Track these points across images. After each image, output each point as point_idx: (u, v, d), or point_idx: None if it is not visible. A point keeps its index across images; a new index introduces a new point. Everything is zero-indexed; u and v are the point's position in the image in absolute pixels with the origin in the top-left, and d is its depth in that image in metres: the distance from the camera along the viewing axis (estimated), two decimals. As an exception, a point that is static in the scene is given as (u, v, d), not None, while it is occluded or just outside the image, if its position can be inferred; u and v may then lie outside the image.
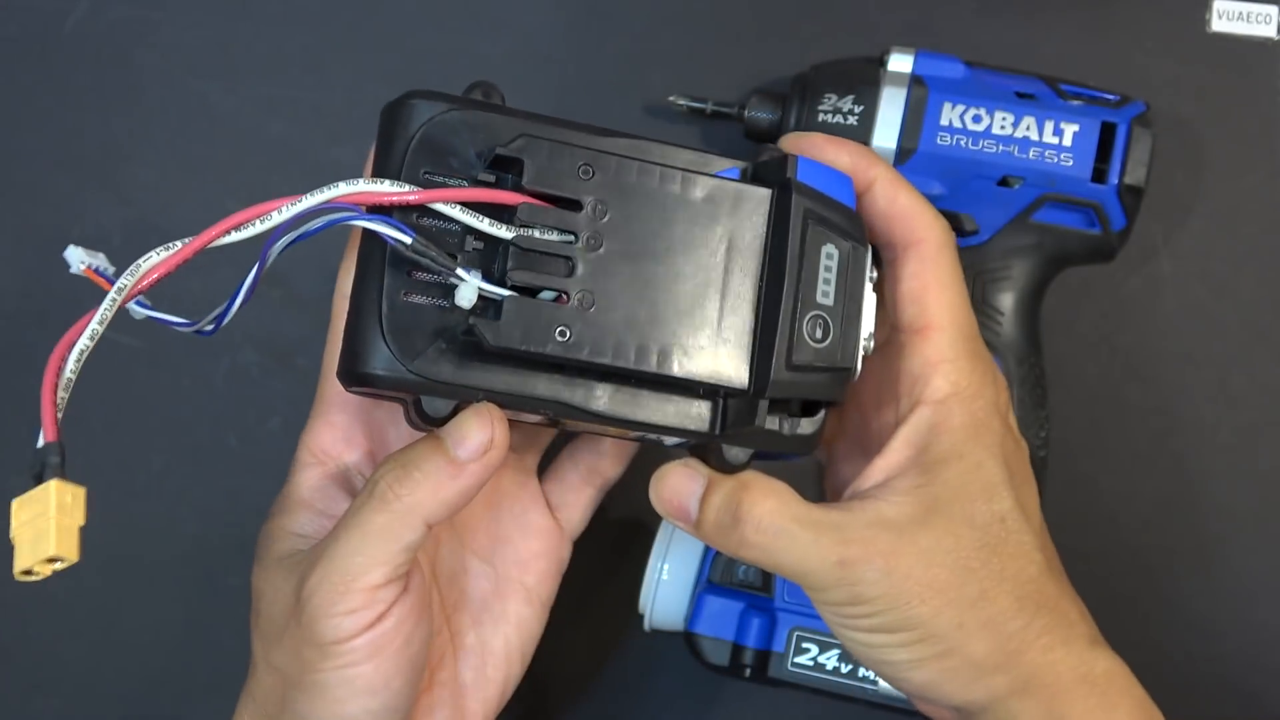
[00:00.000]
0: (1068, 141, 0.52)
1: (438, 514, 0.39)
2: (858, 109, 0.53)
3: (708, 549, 0.54)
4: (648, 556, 0.54)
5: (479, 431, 0.38)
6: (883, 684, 0.50)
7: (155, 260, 0.38)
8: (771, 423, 0.40)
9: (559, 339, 0.38)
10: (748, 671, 0.52)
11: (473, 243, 0.38)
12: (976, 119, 0.53)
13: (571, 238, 0.38)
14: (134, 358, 0.58)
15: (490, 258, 0.38)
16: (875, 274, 0.42)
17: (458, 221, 0.38)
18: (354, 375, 0.38)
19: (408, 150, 0.38)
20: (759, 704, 0.58)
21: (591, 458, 0.48)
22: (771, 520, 0.40)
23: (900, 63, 0.53)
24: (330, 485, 0.43)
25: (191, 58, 0.59)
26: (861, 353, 0.41)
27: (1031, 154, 0.52)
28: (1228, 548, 0.57)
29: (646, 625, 0.54)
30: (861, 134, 0.53)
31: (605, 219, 0.39)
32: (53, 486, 0.35)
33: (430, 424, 0.39)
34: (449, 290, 0.37)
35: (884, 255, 0.42)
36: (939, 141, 0.53)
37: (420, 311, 0.38)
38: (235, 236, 0.38)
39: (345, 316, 0.39)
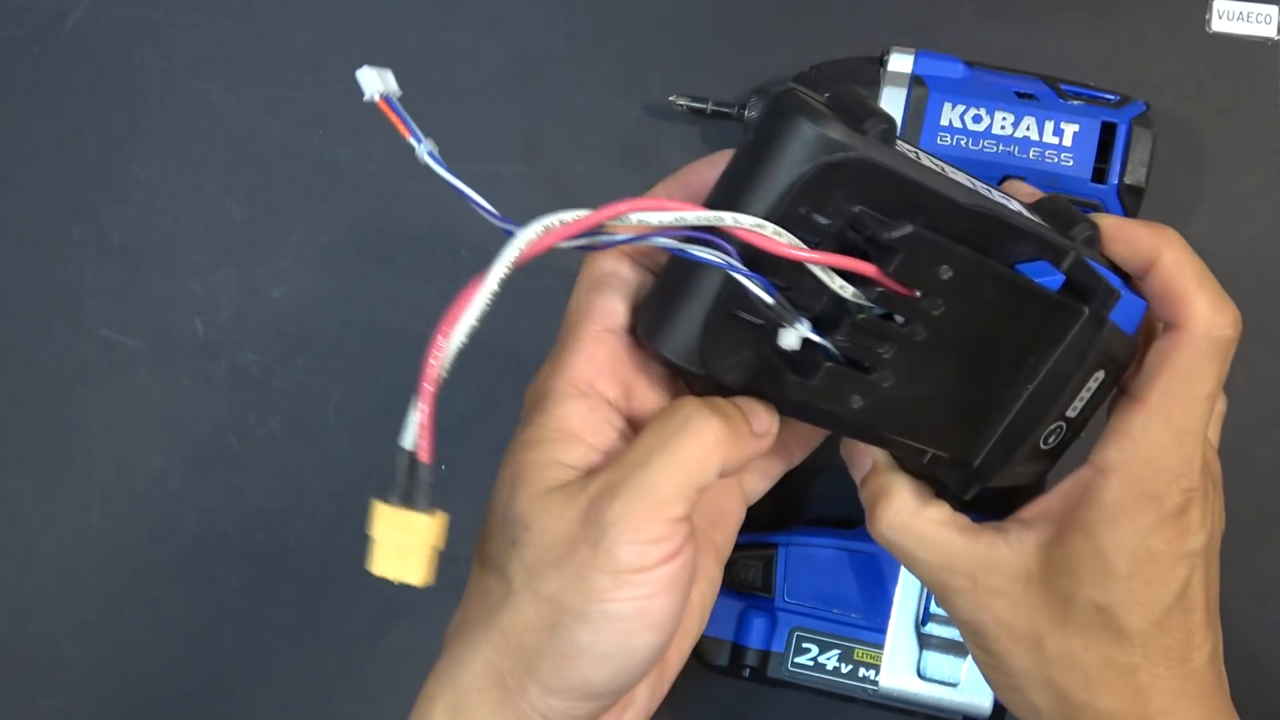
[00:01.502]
0: (1068, 141, 0.52)
1: (731, 465, 0.40)
2: None
3: None
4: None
5: (768, 414, 0.41)
6: (883, 684, 0.50)
7: (555, 225, 0.36)
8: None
9: (852, 406, 0.39)
10: (748, 672, 0.52)
11: (811, 283, 0.37)
12: (977, 119, 0.53)
13: (903, 320, 0.39)
14: (134, 358, 0.58)
15: (815, 298, 0.38)
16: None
17: (816, 277, 0.37)
18: (651, 345, 0.39)
19: (793, 187, 0.36)
20: (759, 704, 0.58)
21: (786, 434, 0.46)
22: (895, 520, 0.43)
23: (900, 63, 0.53)
24: (598, 418, 0.42)
25: (191, 58, 0.59)
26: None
27: (1032, 154, 0.52)
28: (1227, 548, 0.57)
29: None
30: None
31: (938, 312, 0.39)
32: (436, 522, 0.36)
33: (709, 385, 0.40)
34: (775, 321, 0.38)
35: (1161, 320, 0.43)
36: (939, 141, 0.53)
37: (740, 327, 0.38)
38: (633, 218, 0.36)
39: (658, 283, 0.40)
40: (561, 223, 0.36)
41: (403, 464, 0.35)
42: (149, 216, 0.58)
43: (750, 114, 0.56)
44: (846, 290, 0.37)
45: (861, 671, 0.51)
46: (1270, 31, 0.61)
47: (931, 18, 0.60)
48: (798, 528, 0.54)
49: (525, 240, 0.35)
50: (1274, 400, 0.58)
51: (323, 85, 0.60)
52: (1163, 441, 0.41)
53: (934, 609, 0.50)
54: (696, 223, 0.36)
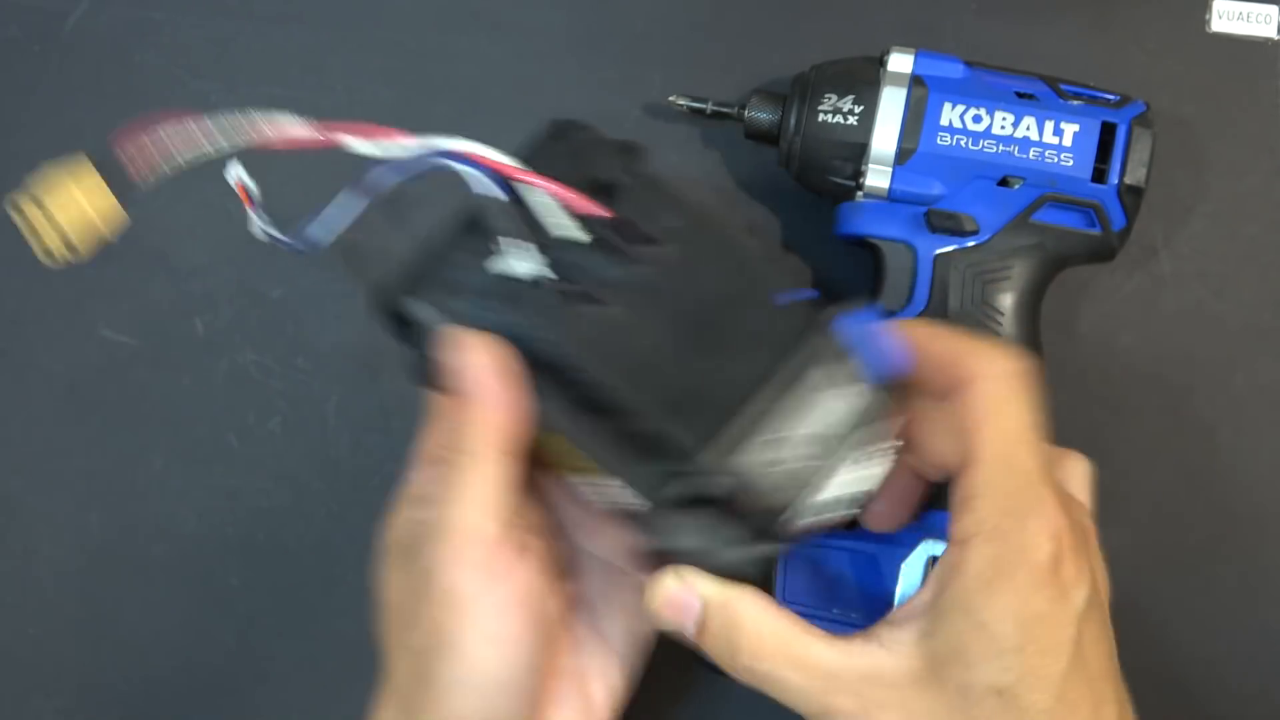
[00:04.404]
0: (1068, 141, 0.52)
1: (505, 435, 0.41)
2: (858, 109, 0.53)
3: None
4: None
5: (476, 359, 0.41)
6: None
7: (283, 123, 0.43)
8: (700, 528, 0.41)
9: (579, 333, 0.40)
10: None
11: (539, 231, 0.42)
12: (977, 119, 0.53)
13: (632, 266, 0.41)
14: (134, 358, 0.58)
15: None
16: (897, 445, 0.43)
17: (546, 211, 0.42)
18: (385, 298, 0.42)
19: (539, 144, 0.44)
20: (759, 704, 0.58)
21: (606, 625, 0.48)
22: (763, 657, 0.41)
23: (900, 62, 0.53)
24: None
25: (191, 58, 0.59)
26: (814, 516, 0.41)
27: (1032, 154, 0.52)
28: (1227, 547, 0.57)
29: None
30: (861, 134, 0.53)
31: (673, 268, 0.41)
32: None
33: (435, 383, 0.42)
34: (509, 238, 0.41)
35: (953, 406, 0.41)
36: (939, 141, 0.53)
37: (469, 270, 0.42)
38: (357, 146, 0.42)
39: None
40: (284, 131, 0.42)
41: None
42: (149, 216, 0.58)
43: (750, 114, 0.56)
44: (571, 227, 0.41)
45: None
46: (1270, 31, 0.61)
47: (931, 18, 0.60)
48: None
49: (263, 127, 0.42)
50: (1274, 400, 0.58)
51: (323, 85, 0.60)
52: (1008, 487, 0.39)
53: None
54: (419, 150, 0.41)
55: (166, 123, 0.41)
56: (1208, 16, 0.61)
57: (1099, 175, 0.52)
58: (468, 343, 0.41)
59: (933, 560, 0.50)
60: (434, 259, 0.43)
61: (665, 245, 0.42)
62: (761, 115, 0.56)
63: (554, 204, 0.42)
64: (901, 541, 0.51)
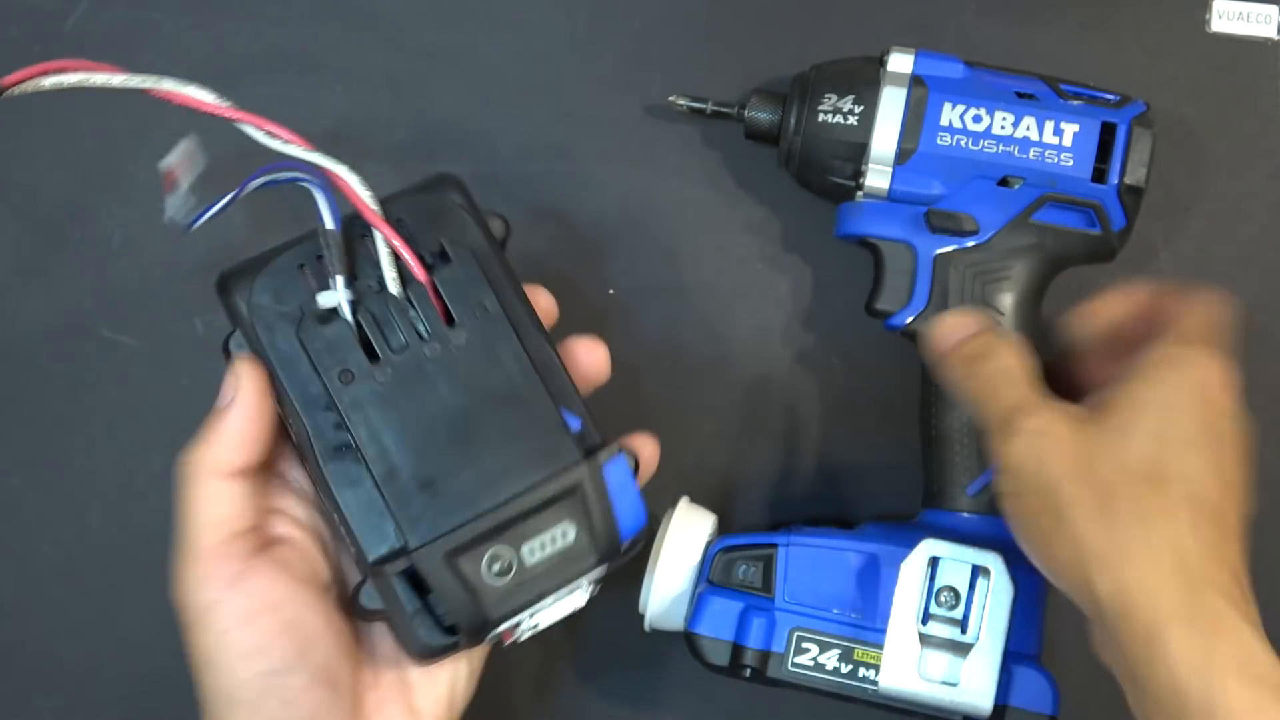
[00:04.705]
0: (1068, 141, 0.52)
1: (220, 461, 0.44)
2: (858, 109, 0.53)
3: (708, 550, 0.54)
4: (647, 559, 0.54)
5: (228, 381, 0.45)
6: (882, 684, 0.50)
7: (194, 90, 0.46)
8: (405, 603, 0.43)
9: (340, 379, 0.43)
10: (748, 671, 0.52)
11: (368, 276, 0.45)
12: (977, 119, 0.53)
13: (420, 341, 0.44)
14: (134, 358, 0.58)
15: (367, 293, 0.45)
16: (596, 587, 0.45)
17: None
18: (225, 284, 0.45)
19: (414, 189, 0.47)
20: (759, 704, 0.58)
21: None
22: (1004, 368, 0.48)
23: (900, 62, 0.53)
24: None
25: (192, 57, 0.59)
26: (509, 625, 0.44)
27: (1032, 154, 0.52)
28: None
29: (646, 626, 0.54)
30: (861, 134, 0.53)
31: (459, 344, 0.44)
32: None
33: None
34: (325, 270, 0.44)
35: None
36: (939, 142, 0.53)
37: (293, 289, 0.44)
38: (251, 132, 0.45)
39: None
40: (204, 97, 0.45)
41: None
42: (148, 216, 0.58)
43: (750, 114, 0.56)
44: (394, 280, 0.44)
45: (861, 671, 0.51)
46: (1270, 31, 0.61)
47: (931, 18, 0.60)
48: (797, 527, 0.54)
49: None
50: (1274, 400, 0.58)
51: (323, 85, 0.60)
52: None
53: (934, 609, 0.50)
54: (303, 156, 0.44)
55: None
56: (1208, 16, 0.61)
57: (1099, 175, 0.52)
58: (236, 368, 0.44)
59: (934, 561, 0.50)
60: (274, 262, 0.45)
61: (463, 329, 0.44)
62: (761, 115, 0.56)
63: (387, 251, 0.44)
64: (902, 541, 0.51)
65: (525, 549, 0.43)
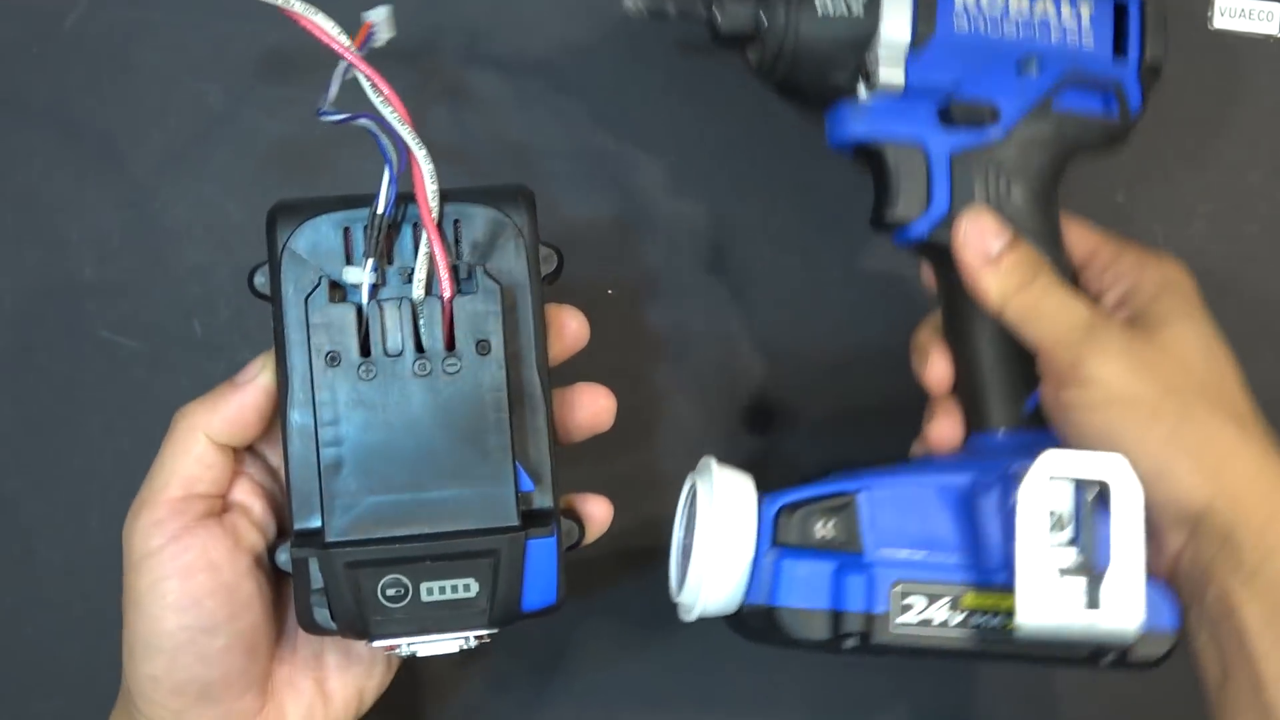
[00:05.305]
0: (1086, 22, 0.50)
1: (215, 427, 0.46)
2: None
3: (763, 510, 0.47)
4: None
5: (257, 361, 0.46)
6: (1021, 623, 0.44)
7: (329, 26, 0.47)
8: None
9: (329, 360, 0.44)
10: (852, 641, 0.46)
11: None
12: (993, 3, 0.50)
13: (414, 354, 0.44)
14: (134, 358, 0.58)
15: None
16: (487, 638, 0.46)
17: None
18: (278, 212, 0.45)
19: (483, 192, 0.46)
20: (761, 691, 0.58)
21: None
22: (1057, 282, 0.49)
23: None
24: None
25: (191, 58, 0.59)
26: (383, 644, 0.45)
27: (1052, 36, 0.50)
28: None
29: (692, 614, 0.48)
30: (868, 25, 0.49)
31: (453, 371, 0.44)
32: None
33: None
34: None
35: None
36: (956, 27, 0.49)
37: (330, 247, 0.45)
38: (369, 91, 0.46)
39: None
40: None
41: None
42: (147, 217, 0.58)
43: (724, 9, 0.50)
44: (421, 283, 0.44)
45: (975, 619, 0.46)
46: (1272, 29, 0.61)
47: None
48: (865, 470, 0.48)
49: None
50: (1274, 400, 0.58)
51: (322, 85, 0.59)
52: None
53: (1053, 531, 0.45)
54: (396, 125, 0.44)
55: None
56: (1209, 14, 0.61)
57: (1117, 50, 0.51)
58: (270, 359, 0.46)
59: (1078, 483, 0.45)
60: (327, 214, 0.45)
61: (459, 358, 0.44)
62: (738, 9, 0.50)
63: (425, 254, 0.44)
64: (986, 465, 0.47)
65: (425, 586, 0.43)
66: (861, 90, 0.50)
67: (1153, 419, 0.46)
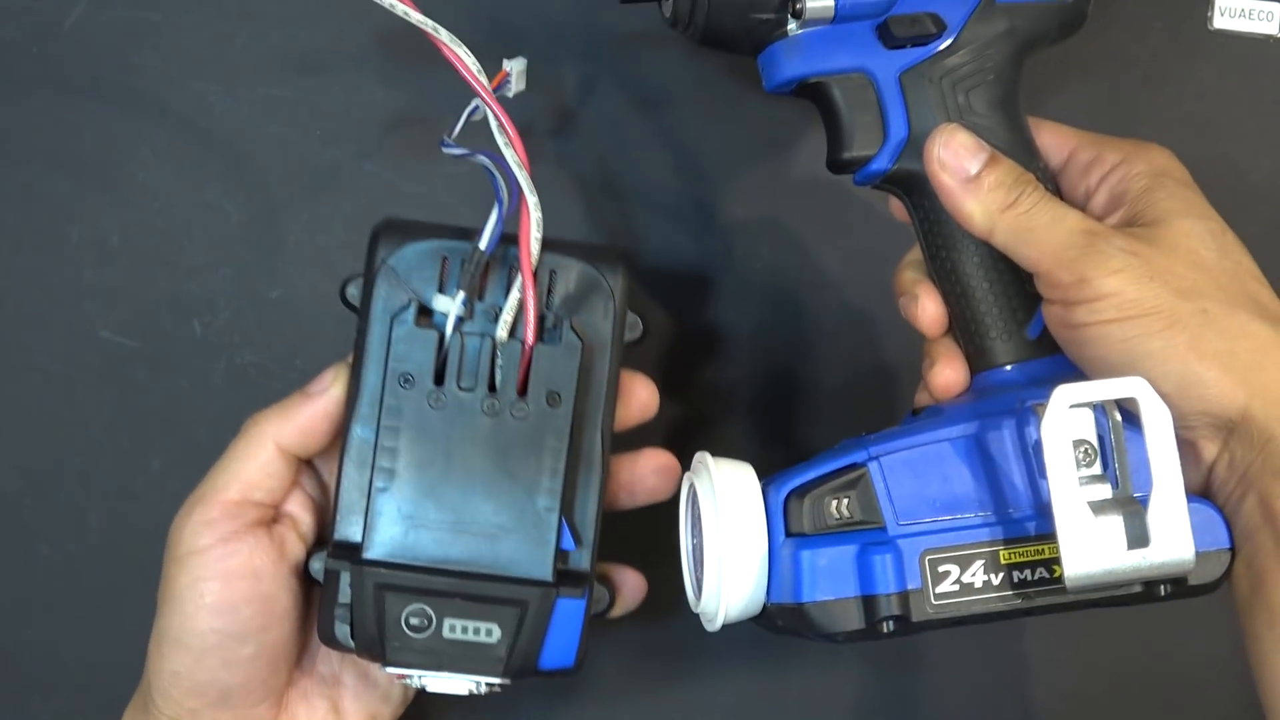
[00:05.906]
0: None
1: (286, 436, 0.46)
2: None
3: (769, 499, 0.45)
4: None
5: (329, 373, 0.47)
6: (1070, 573, 0.41)
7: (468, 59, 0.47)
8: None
9: (401, 383, 0.45)
10: (890, 625, 0.42)
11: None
12: None
13: (487, 394, 0.45)
14: (134, 358, 0.58)
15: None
16: (499, 687, 0.46)
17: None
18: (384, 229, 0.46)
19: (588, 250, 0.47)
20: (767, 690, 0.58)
21: None
22: (1046, 196, 0.45)
23: None
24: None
25: (191, 58, 0.59)
26: (396, 671, 0.45)
27: None
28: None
29: (717, 623, 0.46)
30: None
31: (519, 416, 0.45)
32: None
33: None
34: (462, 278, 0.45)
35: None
36: None
37: (426, 273, 0.46)
38: (494, 126, 0.46)
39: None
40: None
41: None
42: (147, 217, 0.58)
43: None
44: (506, 325, 0.45)
45: (1018, 575, 0.42)
46: (1271, 29, 0.61)
47: None
48: (870, 437, 0.45)
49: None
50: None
51: (322, 86, 0.60)
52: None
53: (1081, 469, 0.42)
54: (514, 169, 0.44)
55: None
56: (1209, 14, 0.61)
57: None
58: (330, 371, 0.47)
59: (1101, 408, 0.43)
60: (430, 240, 0.46)
61: (528, 406, 0.44)
62: None
63: (517, 299, 0.45)
64: (994, 411, 0.44)
65: (449, 622, 0.44)
66: (791, 25, 0.47)
67: (1172, 327, 0.43)
